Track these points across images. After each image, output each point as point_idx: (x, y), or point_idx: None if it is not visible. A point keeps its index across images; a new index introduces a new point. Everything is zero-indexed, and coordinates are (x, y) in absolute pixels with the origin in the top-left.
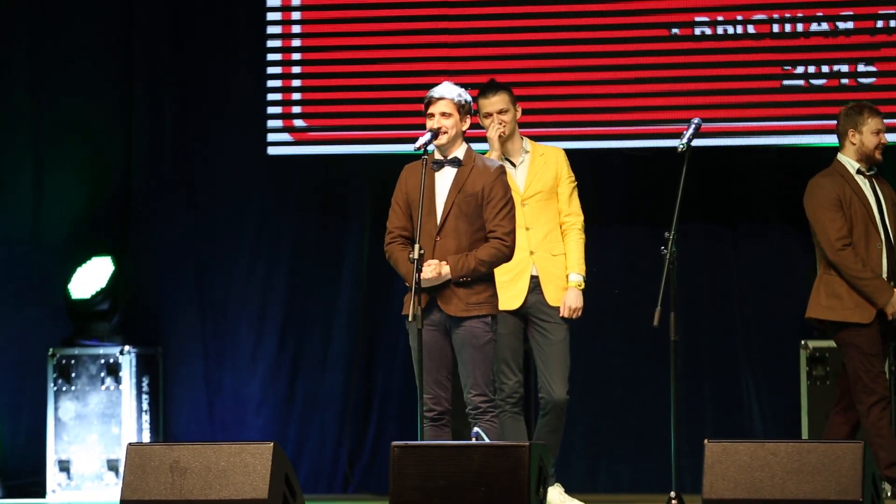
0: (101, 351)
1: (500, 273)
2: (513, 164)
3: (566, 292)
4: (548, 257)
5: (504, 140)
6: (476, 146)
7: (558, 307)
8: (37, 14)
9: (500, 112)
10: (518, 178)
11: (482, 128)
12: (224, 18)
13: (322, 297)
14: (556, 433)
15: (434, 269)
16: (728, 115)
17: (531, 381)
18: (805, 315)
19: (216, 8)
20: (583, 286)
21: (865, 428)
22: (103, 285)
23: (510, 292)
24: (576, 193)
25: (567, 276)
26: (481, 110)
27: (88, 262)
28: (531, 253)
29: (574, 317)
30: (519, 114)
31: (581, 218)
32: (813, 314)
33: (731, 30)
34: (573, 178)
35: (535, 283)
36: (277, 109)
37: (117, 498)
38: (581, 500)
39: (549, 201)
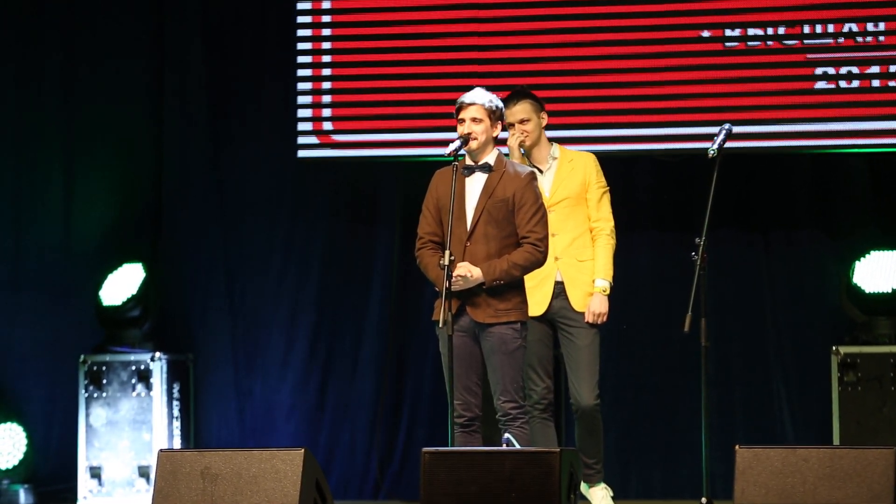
0: (133, 357)
1: (525, 279)
2: (539, 171)
3: (591, 297)
4: (573, 263)
5: (530, 147)
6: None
7: (584, 312)
8: (69, 23)
9: (522, 122)
10: (544, 185)
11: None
12: (254, 25)
13: (352, 303)
14: (593, 436)
15: (465, 269)
16: (759, 118)
17: (562, 387)
18: None
19: (246, 15)
20: (608, 291)
21: None
22: (134, 292)
23: (534, 298)
24: (606, 199)
25: (593, 282)
26: (505, 119)
27: (119, 269)
28: (556, 259)
29: (599, 322)
30: (544, 121)
31: (611, 223)
32: None
33: (761, 33)
34: (603, 184)
35: (559, 289)
36: (308, 115)
37: None
38: None
39: (577, 207)
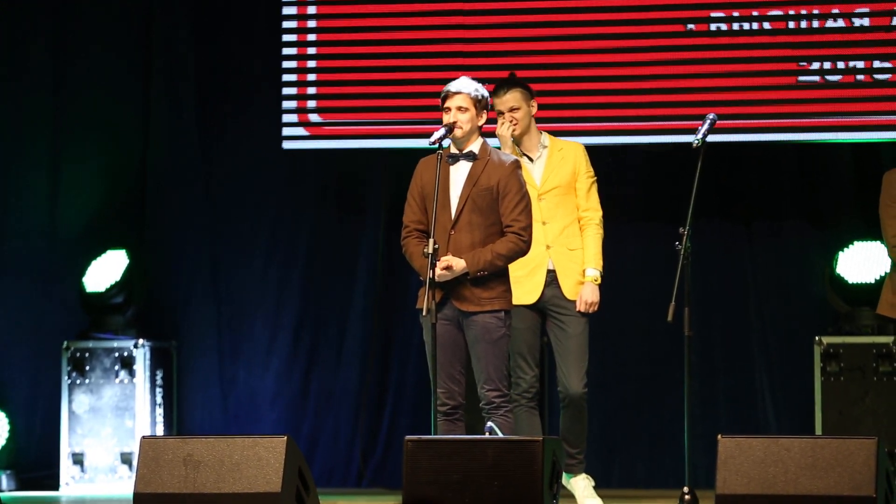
0: (116, 344)
1: (516, 268)
2: (530, 159)
3: (582, 287)
4: (564, 252)
5: (520, 136)
6: (491, 141)
7: (575, 301)
8: (58, 8)
9: (512, 110)
10: (535, 173)
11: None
12: (242, 15)
13: (337, 292)
14: (579, 423)
15: (447, 262)
16: (744, 111)
17: (547, 376)
18: (876, 310)
19: (234, 5)
20: (599, 281)
21: None
22: (118, 278)
23: (526, 287)
24: (594, 189)
25: (584, 271)
26: (494, 107)
27: (103, 256)
28: (547, 247)
29: (590, 311)
30: (534, 110)
31: (599, 213)
32: (881, 311)
33: (746, 25)
34: (592, 174)
35: (551, 278)
36: (293, 104)
37: (131, 491)
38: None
39: (567, 196)
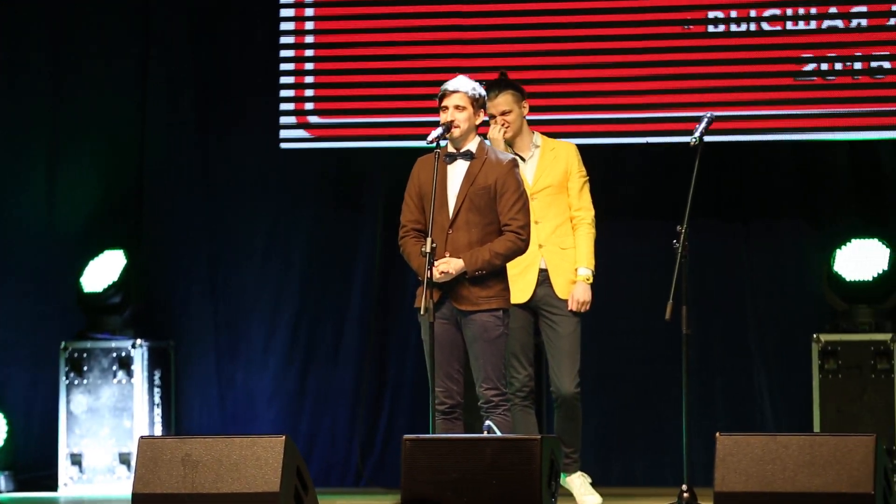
0: (113, 344)
1: (509, 267)
2: (522, 159)
3: (574, 286)
4: (557, 251)
5: (512, 137)
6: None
7: (567, 300)
8: (55, 6)
9: (503, 113)
10: (527, 173)
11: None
12: (238, 12)
13: (335, 291)
14: (573, 422)
15: (445, 266)
16: (741, 110)
17: (542, 375)
18: None
19: (232, 4)
20: (591, 280)
21: None
22: (115, 279)
23: (518, 286)
24: (587, 188)
25: (576, 270)
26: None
27: (101, 256)
28: (540, 246)
29: (582, 310)
30: (526, 111)
31: (592, 213)
32: None
33: (744, 24)
34: (584, 174)
35: (543, 277)
36: (291, 105)
37: (129, 491)
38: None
39: (559, 196)
